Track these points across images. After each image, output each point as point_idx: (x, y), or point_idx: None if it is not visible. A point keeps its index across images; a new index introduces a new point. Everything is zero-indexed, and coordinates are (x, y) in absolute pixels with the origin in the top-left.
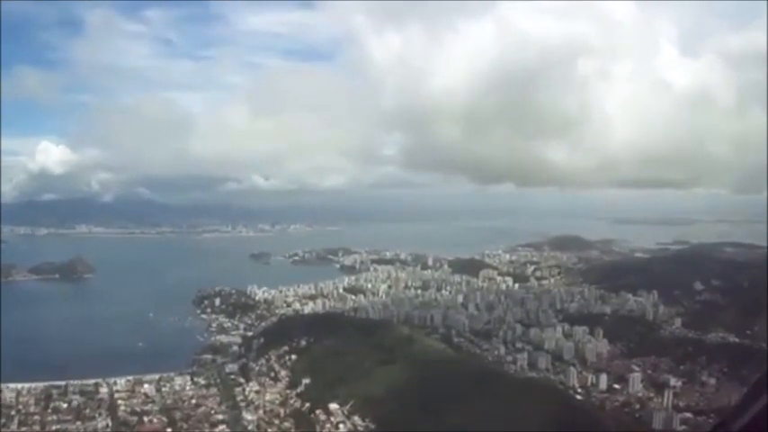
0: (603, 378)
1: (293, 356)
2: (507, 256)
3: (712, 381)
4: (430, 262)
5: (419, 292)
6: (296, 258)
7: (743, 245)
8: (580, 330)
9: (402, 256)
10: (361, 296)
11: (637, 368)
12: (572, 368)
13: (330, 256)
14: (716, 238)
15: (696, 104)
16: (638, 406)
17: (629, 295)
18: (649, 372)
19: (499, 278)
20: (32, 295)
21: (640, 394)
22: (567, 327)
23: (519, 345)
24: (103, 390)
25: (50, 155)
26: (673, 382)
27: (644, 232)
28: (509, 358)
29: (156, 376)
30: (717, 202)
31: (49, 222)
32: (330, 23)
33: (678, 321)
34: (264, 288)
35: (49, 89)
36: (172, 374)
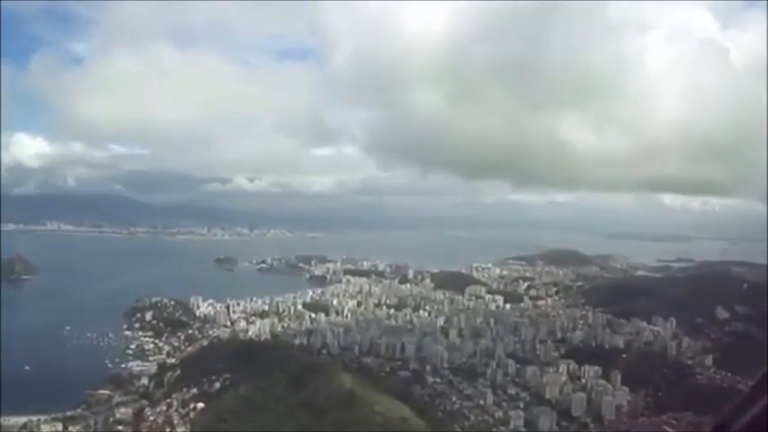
0: None
1: (199, 405)
2: (497, 271)
3: None
4: (410, 274)
5: (392, 311)
6: (263, 266)
7: (748, 264)
8: (591, 371)
9: (380, 267)
10: (323, 314)
11: (670, 430)
12: None
13: (301, 265)
14: (717, 257)
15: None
16: None
17: (644, 323)
18: None
19: (488, 296)
20: None
21: None
22: (573, 365)
23: (512, 390)
24: None
25: (25, 148)
26: None
27: (641, 248)
28: (499, 414)
29: (23, 419)
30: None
31: (19, 218)
32: None
33: (709, 359)
34: (210, 301)
35: None
36: (42, 419)
